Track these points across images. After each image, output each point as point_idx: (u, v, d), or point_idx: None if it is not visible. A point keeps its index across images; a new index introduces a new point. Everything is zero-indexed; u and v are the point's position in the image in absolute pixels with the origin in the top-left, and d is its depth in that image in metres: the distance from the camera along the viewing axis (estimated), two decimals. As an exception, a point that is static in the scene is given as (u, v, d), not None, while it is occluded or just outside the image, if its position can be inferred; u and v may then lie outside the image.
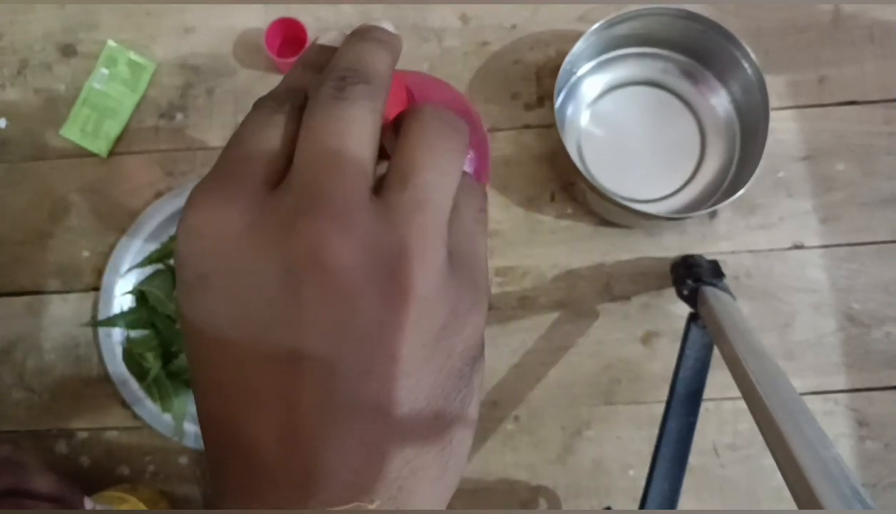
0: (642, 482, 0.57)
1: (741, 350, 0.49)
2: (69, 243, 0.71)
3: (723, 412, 0.68)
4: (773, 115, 0.63)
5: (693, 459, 0.57)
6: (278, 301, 0.16)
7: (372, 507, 0.16)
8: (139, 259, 0.67)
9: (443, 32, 0.72)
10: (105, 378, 0.67)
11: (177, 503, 0.69)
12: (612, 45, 0.70)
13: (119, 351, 0.66)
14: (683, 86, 0.70)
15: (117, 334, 0.67)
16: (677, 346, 0.60)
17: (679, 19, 0.65)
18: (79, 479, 0.69)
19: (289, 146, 0.18)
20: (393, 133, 0.20)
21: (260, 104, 0.19)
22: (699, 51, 0.69)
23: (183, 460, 0.69)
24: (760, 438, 0.42)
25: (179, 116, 0.72)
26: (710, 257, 0.68)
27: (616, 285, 0.70)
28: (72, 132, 0.71)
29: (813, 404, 0.67)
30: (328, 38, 0.21)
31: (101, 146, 0.71)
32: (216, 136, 0.72)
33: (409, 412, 0.17)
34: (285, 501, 0.16)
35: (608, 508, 0.67)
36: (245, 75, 0.72)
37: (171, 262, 0.68)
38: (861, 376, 0.68)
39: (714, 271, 0.65)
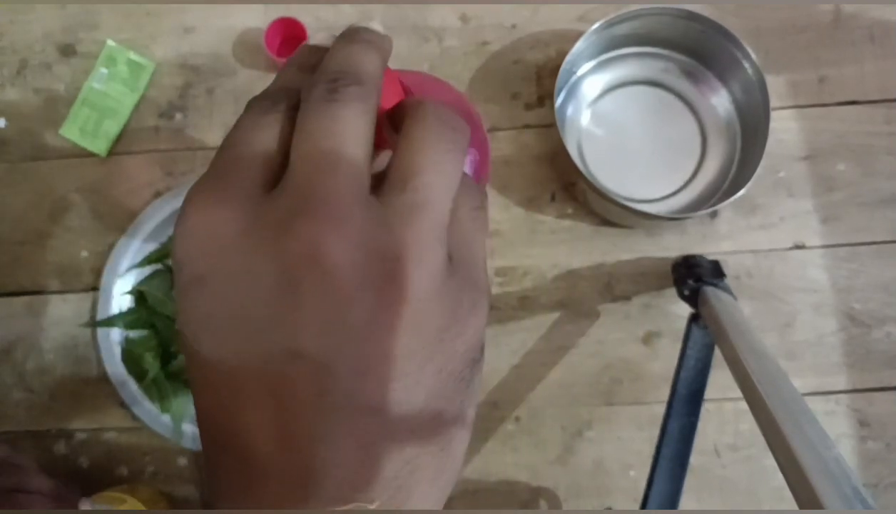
0: (643, 483, 0.57)
1: (742, 350, 0.49)
2: (69, 243, 0.71)
3: (724, 413, 0.68)
4: (773, 115, 0.63)
5: (694, 459, 0.57)
6: (274, 302, 0.16)
7: (372, 507, 0.16)
8: (138, 259, 0.67)
9: (443, 32, 0.72)
10: (104, 379, 0.67)
11: (176, 504, 0.69)
12: (613, 44, 0.69)
13: (118, 351, 0.66)
14: (684, 86, 0.70)
15: (116, 334, 0.66)
16: (678, 346, 0.60)
17: (679, 19, 0.65)
18: (78, 479, 0.69)
19: (283, 147, 0.18)
20: (389, 125, 0.20)
21: (253, 105, 0.19)
22: (699, 51, 0.68)
23: (182, 460, 0.69)
24: (761, 438, 0.42)
25: (179, 116, 0.72)
26: (710, 257, 0.68)
27: (617, 285, 0.70)
28: (71, 132, 0.71)
29: (814, 404, 0.67)
30: (319, 38, 0.21)
31: (100, 146, 0.71)
32: (216, 136, 0.72)
33: (407, 413, 0.17)
34: (282, 500, 0.16)
35: (609, 508, 0.67)
36: (245, 75, 0.72)
37: (170, 262, 0.68)
38: (862, 377, 0.68)
39: (715, 271, 0.65)
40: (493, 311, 0.69)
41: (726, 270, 0.67)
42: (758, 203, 0.70)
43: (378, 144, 0.19)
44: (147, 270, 0.68)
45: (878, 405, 0.68)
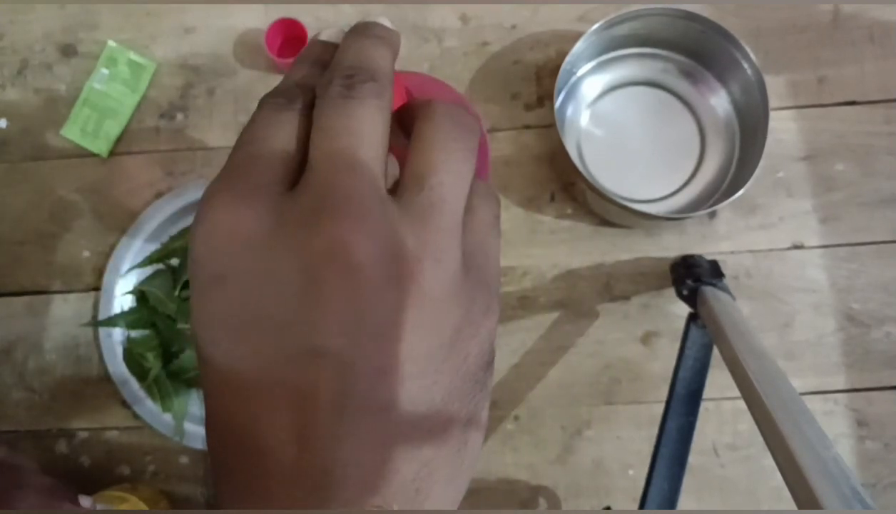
0: (642, 482, 0.57)
1: (741, 350, 0.49)
2: (69, 243, 0.71)
3: (722, 412, 0.68)
4: (772, 115, 0.63)
5: (693, 459, 0.57)
6: (298, 300, 0.16)
7: (395, 508, 0.16)
8: (139, 259, 0.67)
9: (443, 32, 0.72)
10: (105, 378, 0.67)
11: (177, 503, 0.69)
12: (612, 45, 0.70)
13: (119, 351, 0.66)
14: (683, 86, 0.70)
15: (118, 333, 0.67)
16: (677, 346, 0.60)
17: (679, 19, 0.65)
18: (79, 479, 0.69)
19: (301, 145, 0.18)
20: (396, 126, 0.20)
21: (267, 101, 0.19)
22: (699, 51, 0.69)
23: (183, 459, 0.69)
24: (760, 438, 0.42)
25: (180, 116, 0.72)
26: (709, 257, 0.68)
27: (616, 285, 0.70)
28: (72, 132, 0.71)
29: (813, 404, 0.67)
30: (328, 33, 0.21)
31: (101, 146, 0.71)
32: (216, 136, 0.72)
33: (425, 413, 0.17)
34: (300, 502, 0.15)
35: (608, 508, 0.67)
36: (245, 75, 0.72)
37: (172, 262, 0.68)
38: (861, 376, 0.68)
39: (714, 271, 0.65)
40: (493, 311, 0.69)
41: (725, 270, 0.67)
42: (757, 203, 0.70)
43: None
44: (148, 270, 0.68)
45: (876, 405, 0.68)
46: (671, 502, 0.56)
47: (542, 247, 0.70)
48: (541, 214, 0.70)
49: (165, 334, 0.66)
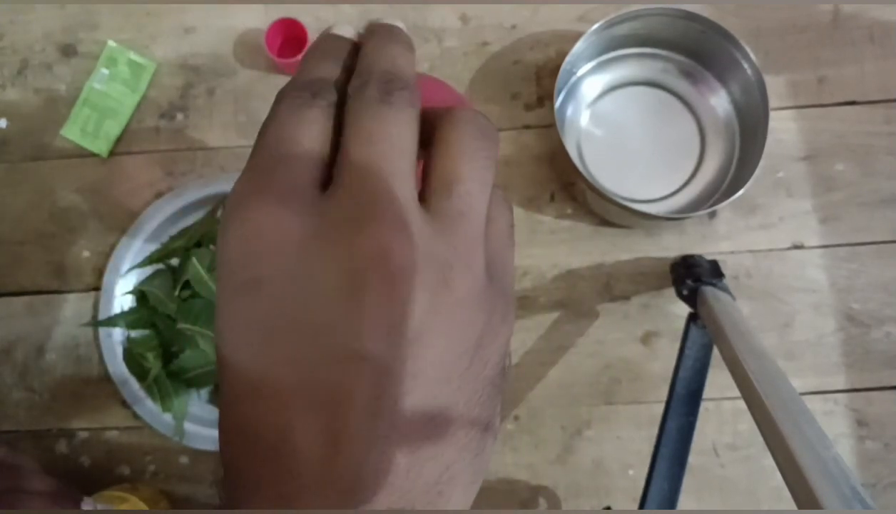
0: (642, 482, 0.57)
1: (741, 350, 0.49)
2: (69, 243, 0.71)
3: (722, 412, 0.68)
4: (772, 115, 0.63)
5: (693, 459, 0.57)
6: (340, 305, 0.16)
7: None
8: (140, 259, 0.67)
9: (443, 32, 0.72)
10: (105, 378, 0.67)
11: (177, 503, 0.69)
12: (612, 45, 0.70)
13: (119, 351, 0.66)
14: (683, 86, 0.70)
15: (118, 334, 0.67)
16: (677, 346, 0.60)
17: (679, 19, 0.65)
18: (79, 479, 0.69)
19: (332, 145, 0.18)
20: None
21: (289, 95, 0.19)
22: (699, 51, 0.69)
23: (183, 459, 0.69)
24: (760, 438, 0.42)
25: (180, 117, 0.72)
26: (709, 257, 0.68)
27: (616, 284, 0.70)
28: (72, 132, 0.71)
29: (813, 404, 0.67)
30: (342, 31, 0.21)
31: (101, 146, 0.71)
32: (216, 136, 0.72)
33: (449, 417, 0.17)
34: (329, 505, 0.15)
35: (608, 508, 0.67)
36: (245, 75, 0.72)
37: (172, 262, 0.68)
38: (861, 376, 0.68)
39: (714, 271, 0.65)
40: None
41: (725, 270, 0.67)
42: (757, 203, 0.70)
43: None
44: (148, 270, 0.68)
45: (876, 405, 0.68)
46: (671, 502, 0.56)
47: (542, 247, 0.70)
48: (541, 214, 0.70)
49: (165, 334, 0.66)
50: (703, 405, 0.58)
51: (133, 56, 0.71)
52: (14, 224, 0.72)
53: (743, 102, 0.68)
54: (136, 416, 0.66)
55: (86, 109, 0.71)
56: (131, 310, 0.67)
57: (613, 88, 0.71)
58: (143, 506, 0.63)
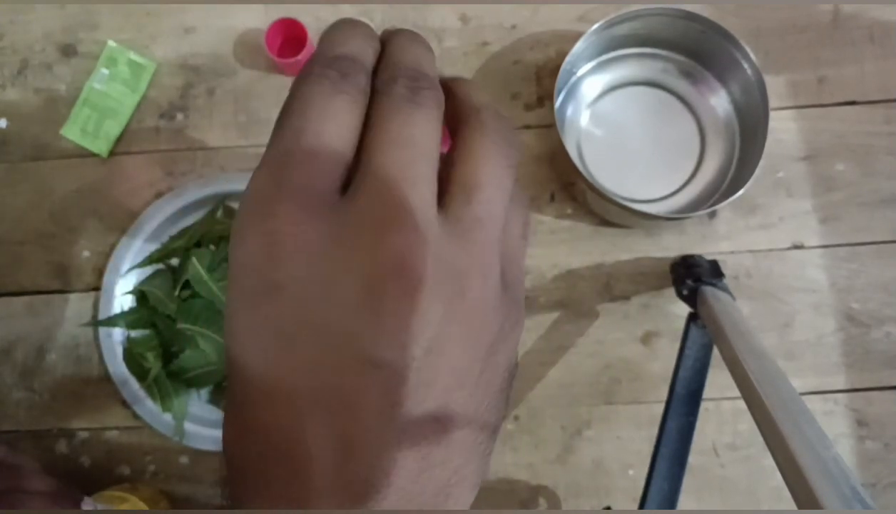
0: (642, 482, 0.57)
1: (741, 350, 0.49)
2: (69, 243, 0.71)
3: (722, 412, 0.68)
4: (772, 115, 0.63)
5: (693, 459, 0.57)
6: (359, 311, 0.16)
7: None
8: (140, 259, 0.67)
9: (443, 32, 0.72)
10: (105, 378, 0.67)
11: (177, 503, 0.69)
12: (612, 45, 0.70)
13: (119, 351, 0.66)
14: (683, 86, 0.70)
15: (118, 333, 0.67)
16: (677, 346, 0.60)
17: (679, 19, 0.65)
18: (79, 479, 0.69)
19: (356, 141, 0.17)
20: None
21: (316, 73, 0.17)
22: (699, 51, 0.69)
23: (183, 459, 0.69)
24: (760, 438, 0.42)
25: (180, 117, 0.72)
26: (709, 257, 0.68)
27: (616, 284, 0.70)
28: (72, 132, 0.71)
29: (813, 404, 0.67)
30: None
31: (101, 146, 0.71)
32: (216, 136, 0.72)
33: (461, 423, 0.17)
34: (340, 508, 0.16)
35: (608, 508, 0.67)
36: (245, 75, 0.72)
37: (172, 262, 0.68)
38: (861, 376, 0.68)
39: (714, 271, 0.65)
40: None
41: (725, 270, 0.67)
42: (757, 203, 0.70)
43: None
44: (148, 270, 0.68)
45: (876, 405, 0.68)
46: (671, 502, 0.56)
47: (542, 247, 0.70)
48: (541, 214, 0.70)
49: (165, 334, 0.66)
50: (703, 405, 0.58)
51: (133, 56, 0.71)
52: (14, 224, 0.72)
53: (743, 102, 0.68)
54: (136, 416, 0.66)
55: (86, 109, 0.71)
56: (131, 310, 0.67)
57: (613, 88, 0.71)
58: (143, 506, 0.63)
